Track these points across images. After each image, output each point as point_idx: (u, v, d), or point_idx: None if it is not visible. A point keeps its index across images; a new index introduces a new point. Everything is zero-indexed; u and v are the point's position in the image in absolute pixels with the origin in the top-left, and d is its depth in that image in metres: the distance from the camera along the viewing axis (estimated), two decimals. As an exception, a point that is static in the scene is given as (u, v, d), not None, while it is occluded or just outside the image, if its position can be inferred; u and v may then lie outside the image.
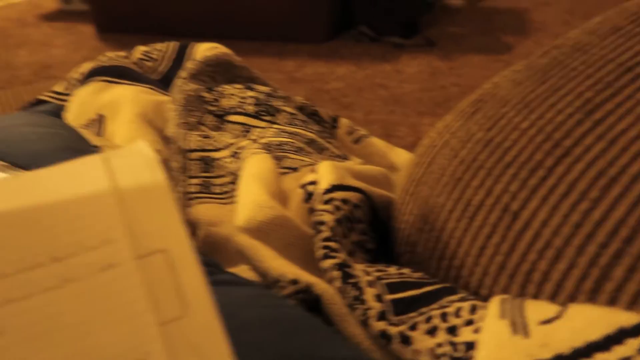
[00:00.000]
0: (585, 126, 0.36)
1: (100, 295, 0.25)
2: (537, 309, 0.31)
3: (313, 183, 0.48)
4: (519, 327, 0.30)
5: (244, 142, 0.60)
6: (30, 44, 2.61)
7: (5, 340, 0.23)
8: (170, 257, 0.26)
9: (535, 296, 0.34)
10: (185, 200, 0.55)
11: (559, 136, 0.37)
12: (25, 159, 0.40)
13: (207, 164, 0.59)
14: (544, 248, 0.34)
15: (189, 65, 0.75)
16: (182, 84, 0.70)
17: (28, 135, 0.43)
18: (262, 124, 0.67)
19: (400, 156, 0.73)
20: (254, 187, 0.45)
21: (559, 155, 0.36)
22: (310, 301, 0.37)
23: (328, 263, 0.39)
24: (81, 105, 0.68)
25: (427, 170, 0.44)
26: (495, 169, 0.39)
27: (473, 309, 0.34)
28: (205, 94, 0.69)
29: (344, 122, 0.75)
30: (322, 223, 0.42)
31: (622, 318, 0.28)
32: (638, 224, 0.31)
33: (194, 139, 0.61)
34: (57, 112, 0.50)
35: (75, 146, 0.44)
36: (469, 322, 0.33)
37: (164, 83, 0.79)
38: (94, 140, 0.52)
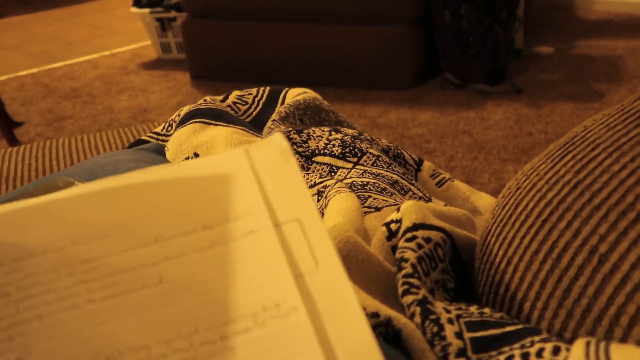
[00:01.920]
0: (678, 170, 0.36)
1: (244, 254, 0.29)
2: (623, 353, 0.31)
3: (396, 221, 0.49)
4: (605, 370, 0.30)
5: (330, 182, 0.62)
6: (130, 89, 2.81)
7: (164, 288, 0.28)
8: (303, 225, 0.30)
9: (623, 340, 0.34)
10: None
11: (649, 179, 0.36)
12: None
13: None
14: (633, 291, 0.34)
15: (280, 108, 0.79)
16: (273, 126, 0.73)
17: (133, 171, 0.47)
18: (348, 165, 0.69)
19: (484, 200, 0.73)
20: (338, 224, 0.47)
21: (649, 198, 0.35)
22: (390, 335, 0.38)
23: (409, 299, 0.40)
24: (179, 145, 0.73)
25: (513, 212, 0.44)
26: (583, 211, 0.38)
27: (556, 351, 0.34)
28: (294, 136, 0.72)
29: (427, 165, 0.76)
30: (404, 260, 0.43)
31: None
32: None
33: (281, 178, 0.64)
34: (158, 149, 0.54)
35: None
36: (553, 364, 0.33)
37: (256, 125, 0.83)
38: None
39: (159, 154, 0.54)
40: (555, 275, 0.38)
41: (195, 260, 0.29)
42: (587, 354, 0.32)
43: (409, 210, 0.47)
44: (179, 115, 0.82)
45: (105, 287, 0.29)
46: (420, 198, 0.67)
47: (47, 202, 0.32)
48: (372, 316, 0.38)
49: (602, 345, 0.32)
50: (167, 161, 0.52)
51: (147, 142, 0.80)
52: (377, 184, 0.65)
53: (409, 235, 0.45)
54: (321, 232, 0.30)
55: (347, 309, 0.27)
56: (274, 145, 0.34)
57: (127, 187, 0.34)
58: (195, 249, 0.30)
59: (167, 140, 0.79)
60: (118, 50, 3.44)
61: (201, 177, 0.33)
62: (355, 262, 0.43)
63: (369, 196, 0.62)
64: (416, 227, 0.45)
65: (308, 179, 0.64)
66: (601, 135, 0.42)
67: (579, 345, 0.33)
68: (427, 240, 0.45)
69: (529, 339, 0.35)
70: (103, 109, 2.61)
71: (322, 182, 0.63)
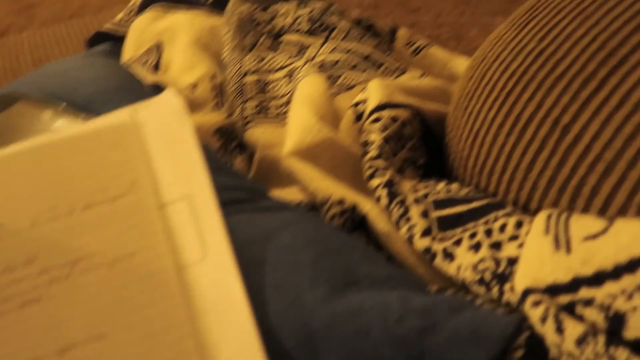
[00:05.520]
0: (643, 31, 0.34)
1: (123, 239, 0.27)
2: (582, 225, 0.31)
3: (363, 102, 0.47)
4: (562, 243, 0.30)
5: (299, 62, 0.60)
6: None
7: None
8: (193, 203, 0.27)
9: (585, 210, 0.34)
10: (243, 124, 0.56)
11: (614, 44, 0.35)
12: (82, 101, 0.42)
13: (263, 86, 0.60)
14: (594, 161, 0.33)
15: (242, -16, 0.74)
16: (234, 6, 0.69)
17: (83, 79, 0.45)
18: (318, 41, 0.67)
19: (462, 65, 0.71)
20: (303, 111, 0.45)
21: (613, 65, 0.34)
22: (357, 220, 0.38)
23: (375, 182, 0.39)
24: (140, 34, 0.69)
25: (479, 85, 0.43)
26: (546, 82, 0.37)
27: (519, 225, 0.34)
28: (259, 15, 0.68)
29: (402, 33, 0.73)
30: (369, 143, 0.42)
31: (670, 233, 0.28)
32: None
33: (249, 62, 0.62)
34: (111, 51, 0.51)
35: (128, 86, 0.46)
36: (514, 238, 0.33)
37: (220, 4, 0.79)
38: (148, 77, 0.53)
39: (112, 55, 0.51)
40: (520, 148, 0.38)
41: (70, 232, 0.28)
42: (547, 228, 0.32)
43: (374, 90, 0.46)
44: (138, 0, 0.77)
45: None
46: (394, 70, 0.65)
47: None
48: (338, 203, 0.38)
49: (562, 217, 0.32)
50: (117, 63, 0.50)
51: (108, 34, 0.77)
52: (348, 61, 0.62)
53: (374, 116, 0.44)
54: (213, 211, 0.27)
55: (233, 307, 0.25)
56: (167, 104, 0.30)
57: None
58: (73, 233, 0.28)
59: (127, 30, 0.75)
60: None
61: (83, 148, 0.30)
62: (320, 150, 0.43)
63: (341, 74, 0.60)
64: (382, 107, 0.44)
65: (276, 60, 0.62)
66: (567, -3, 0.39)
67: (540, 219, 0.33)
68: (394, 119, 0.44)
69: (493, 214, 0.36)
70: (72, -8, 2.47)
71: (291, 64, 0.61)
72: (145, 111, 0.31)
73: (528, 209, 0.38)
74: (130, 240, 0.28)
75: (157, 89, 0.56)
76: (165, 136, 0.30)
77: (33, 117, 0.39)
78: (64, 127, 0.38)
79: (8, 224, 0.30)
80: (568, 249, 0.30)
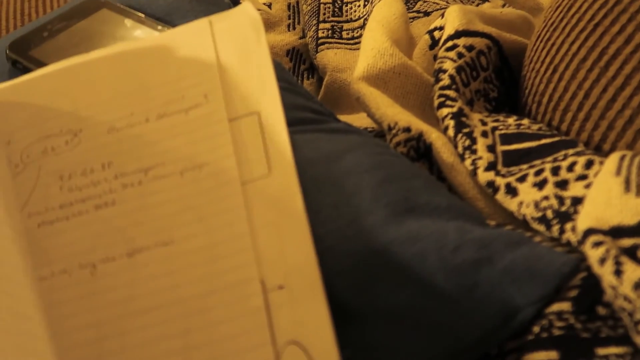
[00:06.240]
0: None
1: (194, 150, 0.28)
2: (657, 168, 0.29)
3: (440, 29, 0.46)
4: (633, 185, 0.29)
5: (377, -15, 0.58)
6: None
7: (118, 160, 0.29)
8: (261, 119, 0.28)
9: (662, 154, 0.32)
10: (315, 45, 0.55)
11: None
12: (161, 11, 0.43)
13: (339, 8, 0.59)
14: (680, 103, 0.32)
15: None
16: None
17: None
18: (398, -37, 0.64)
19: (550, -4, 0.67)
20: (377, 34, 0.45)
21: None
22: (421, 150, 0.38)
23: (443, 112, 0.39)
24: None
25: (565, 15, 0.41)
26: (639, 14, 0.35)
27: (589, 164, 0.33)
28: None
29: (488, -42, 0.69)
30: (442, 71, 0.41)
31: None
32: None
33: (325, -19, 0.60)
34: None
35: (207, -1, 0.46)
36: (582, 177, 0.32)
37: None
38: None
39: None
40: (601, 84, 0.36)
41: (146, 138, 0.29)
42: (619, 168, 0.31)
43: (452, 16, 0.44)
44: None
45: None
46: (475, -3, 0.62)
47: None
48: (404, 130, 0.38)
49: (637, 159, 0.31)
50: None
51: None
52: (428, -16, 0.60)
53: (449, 44, 0.42)
54: (280, 129, 0.28)
55: (292, 224, 0.26)
56: (244, 17, 0.30)
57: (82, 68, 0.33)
58: (147, 142, 0.29)
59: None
60: None
61: (160, 58, 0.31)
62: (391, 75, 0.42)
63: (419, -1, 0.58)
64: (458, 34, 0.43)
65: (354, -19, 0.61)
66: None
67: (612, 159, 0.32)
68: (469, 48, 0.43)
69: (562, 152, 0.35)
70: None
71: (368, -15, 0.59)
72: (222, 23, 0.31)
73: (601, 150, 0.36)
74: (200, 151, 0.29)
75: (235, 4, 0.56)
76: (240, 50, 0.30)
77: (115, 24, 0.40)
78: (143, 36, 0.39)
79: (87, 128, 0.32)
80: (639, 192, 0.28)
